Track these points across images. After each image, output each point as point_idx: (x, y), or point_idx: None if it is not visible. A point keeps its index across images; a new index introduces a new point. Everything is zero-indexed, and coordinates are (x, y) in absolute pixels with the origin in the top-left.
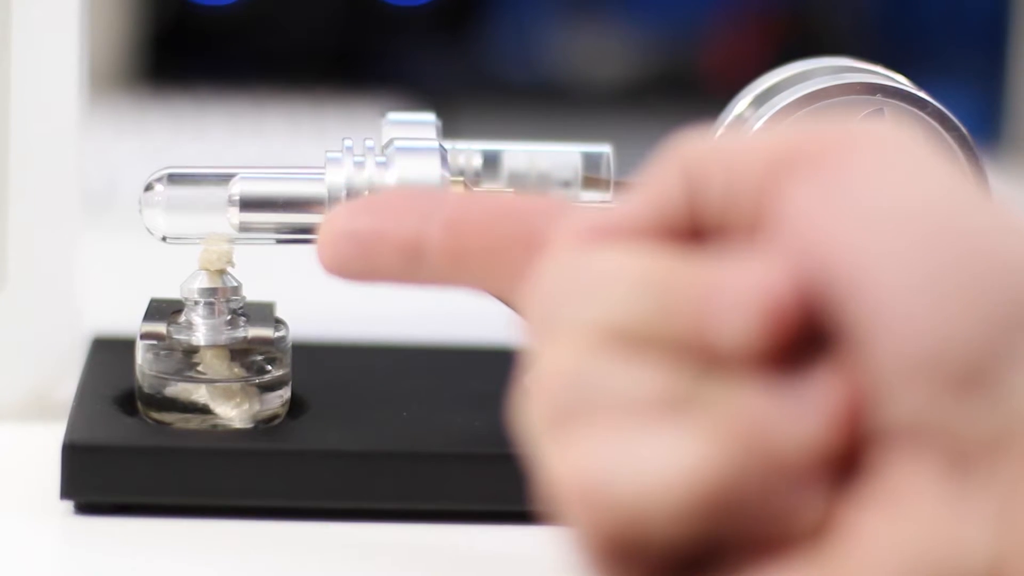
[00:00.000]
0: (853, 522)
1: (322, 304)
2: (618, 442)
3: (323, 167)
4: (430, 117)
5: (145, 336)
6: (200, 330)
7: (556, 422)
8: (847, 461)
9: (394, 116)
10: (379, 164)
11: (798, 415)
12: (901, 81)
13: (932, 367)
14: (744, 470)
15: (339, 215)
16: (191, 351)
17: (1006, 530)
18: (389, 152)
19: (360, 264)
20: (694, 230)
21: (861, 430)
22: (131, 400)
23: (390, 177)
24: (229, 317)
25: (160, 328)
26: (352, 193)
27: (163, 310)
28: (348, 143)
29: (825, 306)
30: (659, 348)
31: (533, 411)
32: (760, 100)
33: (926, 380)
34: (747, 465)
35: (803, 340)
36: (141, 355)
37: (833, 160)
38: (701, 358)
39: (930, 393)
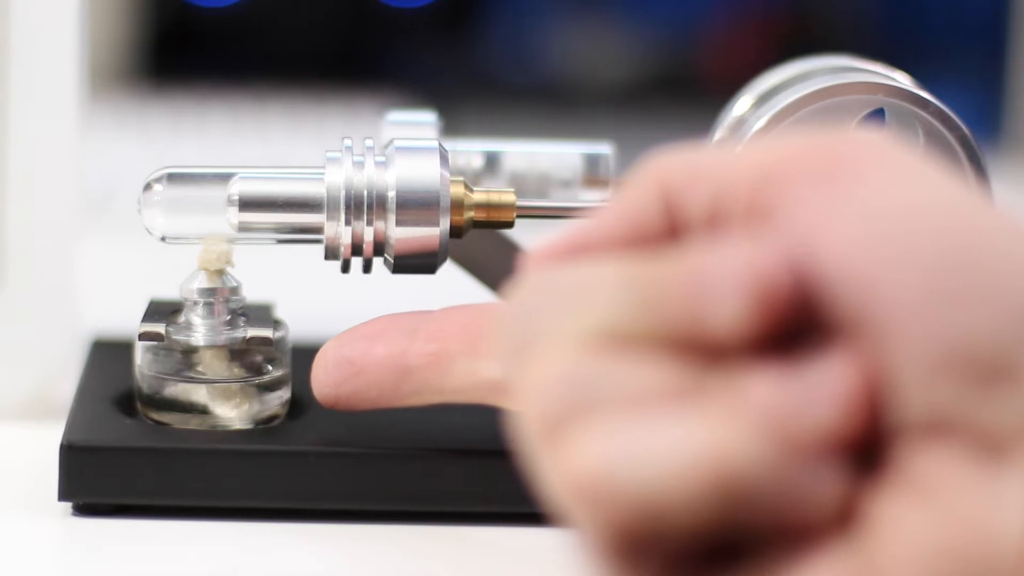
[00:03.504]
0: (883, 514)
1: (322, 304)
2: (626, 432)
3: (323, 167)
4: (430, 117)
5: (144, 336)
6: (199, 330)
7: (553, 427)
8: (872, 453)
9: (394, 116)
10: (379, 164)
11: (810, 398)
12: (902, 80)
13: (954, 365)
14: (758, 451)
15: (330, 344)
16: (190, 351)
17: None
18: (389, 152)
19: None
20: (672, 242)
21: (880, 419)
22: (130, 401)
23: (390, 176)
24: (228, 317)
25: (159, 328)
26: (351, 193)
27: (162, 310)
28: (348, 143)
29: (823, 296)
30: (657, 344)
31: (527, 424)
32: (760, 100)
33: (949, 377)
34: (762, 445)
35: (804, 330)
36: (140, 355)
37: (830, 168)
38: (704, 352)
39: (954, 389)
